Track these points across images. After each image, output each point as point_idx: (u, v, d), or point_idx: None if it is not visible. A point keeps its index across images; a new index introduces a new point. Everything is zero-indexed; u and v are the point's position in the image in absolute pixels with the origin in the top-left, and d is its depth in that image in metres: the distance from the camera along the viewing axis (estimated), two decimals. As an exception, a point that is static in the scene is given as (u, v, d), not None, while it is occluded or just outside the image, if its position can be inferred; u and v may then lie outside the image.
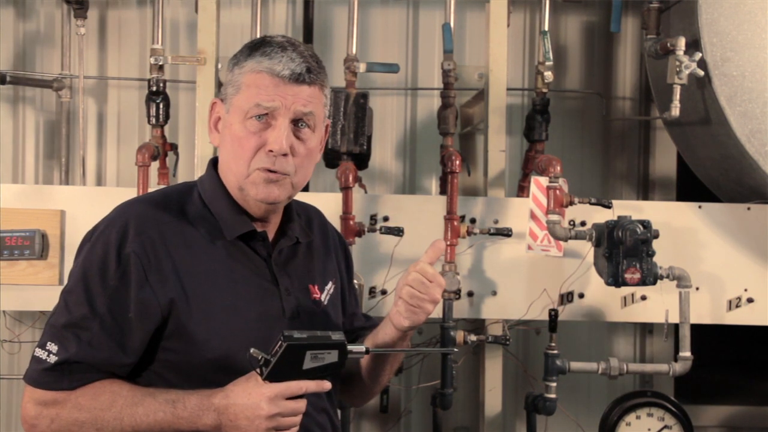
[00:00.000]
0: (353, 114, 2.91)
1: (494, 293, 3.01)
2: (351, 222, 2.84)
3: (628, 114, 3.81)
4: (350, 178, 2.85)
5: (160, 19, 3.13)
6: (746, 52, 2.83)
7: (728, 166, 3.05)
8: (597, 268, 2.81)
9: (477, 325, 3.19)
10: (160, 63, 3.08)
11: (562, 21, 3.76)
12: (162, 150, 3.11)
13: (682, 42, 2.81)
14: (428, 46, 3.71)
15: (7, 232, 2.87)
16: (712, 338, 3.55)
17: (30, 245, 2.87)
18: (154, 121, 3.10)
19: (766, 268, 3.02)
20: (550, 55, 3.11)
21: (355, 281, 2.13)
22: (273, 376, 1.60)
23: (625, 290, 2.95)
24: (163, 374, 1.71)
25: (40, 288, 2.91)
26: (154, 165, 3.09)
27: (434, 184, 3.67)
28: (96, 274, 1.67)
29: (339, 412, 2.02)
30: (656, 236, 2.72)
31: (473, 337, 3.01)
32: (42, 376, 1.67)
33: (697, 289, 2.97)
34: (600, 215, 2.85)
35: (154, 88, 3.09)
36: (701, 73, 2.80)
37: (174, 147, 3.24)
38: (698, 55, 2.79)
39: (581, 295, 3.01)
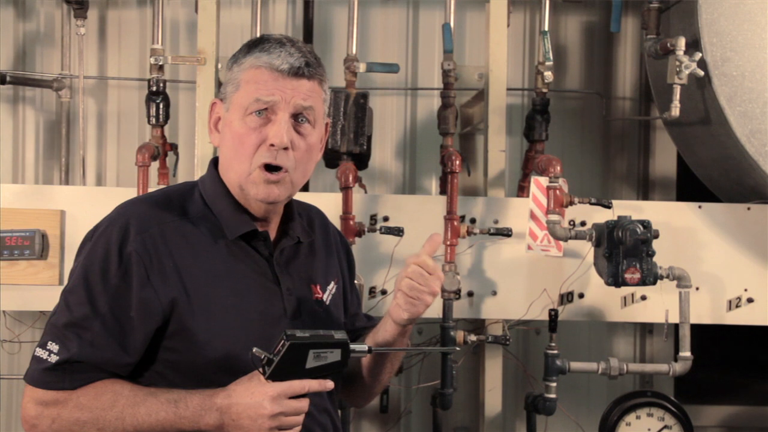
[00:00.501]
0: (353, 114, 2.91)
1: (494, 293, 3.01)
2: (351, 222, 2.84)
3: (628, 114, 3.81)
4: (350, 178, 2.85)
5: (160, 19, 3.13)
6: (746, 52, 2.83)
7: (728, 166, 3.05)
8: (597, 268, 2.81)
9: (477, 325, 3.19)
10: (160, 63, 3.08)
11: (562, 21, 3.76)
12: (162, 150, 3.11)
13: (682, 42, 2.81)
14: (428, 46, 3.71)
15: (7, 232, 2.87)
16: (712, 338, 3.55)
17: (30, 245, 2.87)
18: (154, 121, 3.10)
19: (766, 268, 3.02)
20: (550, 55, 3.11)
21: (355, 281, 2.13)
22: (276, 375, 1.60)
23: (625, 290, 2.95)
24: (165, 374, 1.71)
25: (40, 288, 2.91)
26: (154, 165, 3.09)
27: (434, 184, 3.67)
28: (97, 273, 1.67)
29: (339, 412, 2.02)
30: (656, 236, 2.72)
31: (473, 337, 3.01)
32: (43, 376, 1.67)
33: (697, 289, 2.97)
34: (600, 215, 2.85)
35: (154, 88, 3.09)
36: (701, 73, 2.80)
37: (174, 147, 3.24)
38: (698, 55, 2.79)
39: (581, 295, 3.01)
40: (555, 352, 2.88)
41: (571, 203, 2.85)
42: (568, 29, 3.78)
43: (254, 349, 1.60)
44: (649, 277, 2.72)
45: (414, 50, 3.73)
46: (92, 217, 1.83)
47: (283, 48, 1.73)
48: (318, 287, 1.87)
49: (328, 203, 2.79)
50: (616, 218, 2.74)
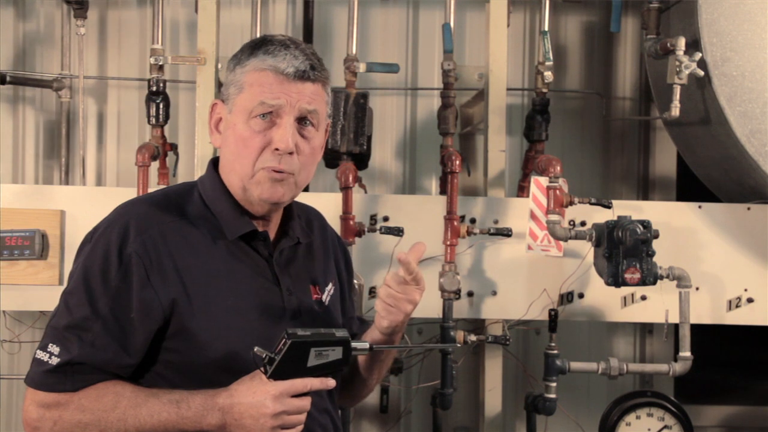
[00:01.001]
0: (353, 114, 2.91)
1: (494, 293, 3.01)
2: (351, 222, 2.84)
3: (628, 114, 3.81)
4: (350, 178, 2.85)
5: (160, 19, 3.13)
6: (746, 52, 2.83)
7: (728, 166, 3.05)
8: (597, 268, 2.81)
9: (477, 325, 3.19)
10: (160, 63, 3.08)
11: (562, 21, 3.76)
12: (162, 150, 3.11)
13: (682, 42, 2.81)
14: (428, 46, 3.71)
15: (7, 232, 2.87)
16: (712, 338, 3.55)
17: (30, 245, 2.87)
18: (154, 121, 3.10)
19: (766, 268, 3.03)
20: (550, 55, 3.11)
21: (355, 281, 2.13)
22: (277, 374, 1.60)
23: (625, 290, 2.95)
24: (166, 375, 1.71)
25: (40, 288, 2.91)
26: (154, 165, 3.09)
27: (434, 184, 3.67)
28: (97, 274, 1.67)
29: (339, 412, 2.02)
30: (656, 236, 2.72)
31: (473, 337, 3.01)
32: (44, 378, 1.66)
33: (697, 289, 2.97)
34: (600, 215, 2.85)
35: (154, 88, 3.09)
36: (701, 73, 2.80)
37: (174, 147, 3.24)
38: (698, 55, 2.79)
39: (581, 295, 3.01)
40: (555, 352, 2.88)
41: (571, 203, 2.85)
42: (568, 29, 3.78)
43: (256, 349, 1.60)
44: (649, 277, 2.72)
45: (414, 50, 3.73)
46: (92, 217, 1.83)
47: (288, 50, 1.73)
48: (317, 288, 1.87)
49: (328, 203, 2.79)
50: (616, 218, 2.74)
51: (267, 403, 1.60)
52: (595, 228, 2.78)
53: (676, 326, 2.93)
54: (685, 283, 2.84)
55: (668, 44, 2.86)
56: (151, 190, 2.76)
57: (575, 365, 2.90)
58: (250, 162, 1.73)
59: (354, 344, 1.67)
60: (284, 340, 1.59)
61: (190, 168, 3.18)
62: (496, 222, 3.00)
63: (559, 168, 2.84)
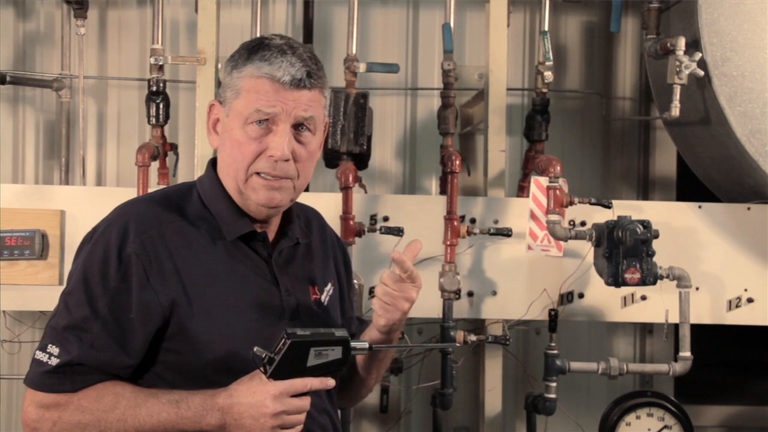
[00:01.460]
0: (353, 114, 2.91)
1: (494, 293, 3.01)
2: (351, 222, 2.84)
3: (628, 114, 3.81)
4: (350, 178, 2.85)
5: (160, 19, 3.13)
6: (746, 52, 2.83)
7: (728, 166, 3.05)
8: (597, 268, 2.81)
9: (477, 325, 3.19)
10: (160, 63, 3.08)
11: (562, 21, 3.76)
12: (162, 150, 3.11)
13: (682, 42, 2.81)
14: (428, 46, 3.71)
15: (7, 232, 2.87)
16: (712, 338, 3.55)
17: (30, 245, 2.87)
18: (154, 121, 3.10)
19: (766, 268, 3.03)
20: (550, 55, 3.11)
21: (354, 281, 2.13)
22: (277, 374, 1.60)
23: (625, 290, 2.95)
24: (165, 375, 1.71)
25: (40, 288, 2.91)
26: (154, 165, 3.09)
27: (434, 184, 3.67)
28: (97, 275, 1.67)
29: (339, 412, 2.02)
30: (656, 236, 2.72)
31: (473, 337, 3.01)
32: (43, 379, 1.66)
33: (697, 289, 2.97)
34: (600, 215, 2.85)
35: (154, 88, 3.09)
36: (701, 73, 2.80)
37: (174, 147, 3.24)
38: (698, 55, 2.79)
39: (581, 295, 3.01)
40: (555, 352, 2.88)
41: (571, 203, 2.85)
42: (568, 29, 3.78)
43: (255, 349, 1.60)
44: (649, 277, 2.72)
45: (414, 50, 3.73)
46: (92, 217, 1.83)
47: (284, 57, 1.71)
48: (316, 288, 1.87)
49: (328, 203, 2.80)
50: (616, 218, 2.74)
51: (267, 403, 1.60)
52: (595, 228, 2.78)
53: (676, 326, 2.93)
54: (685, 283, 2.84)
55: (668, 44, 2.86)
56: (151, 190, 2.76)
57: (575, 365, 2.90)
58: (244, 167, 1.72)
59: (353, 344, 1.67)
60: (284, 339, 1.59)
61: (190, 168, 3.19)
62: (496, 222, 3.00)
63: (559, 168, 2.84)
